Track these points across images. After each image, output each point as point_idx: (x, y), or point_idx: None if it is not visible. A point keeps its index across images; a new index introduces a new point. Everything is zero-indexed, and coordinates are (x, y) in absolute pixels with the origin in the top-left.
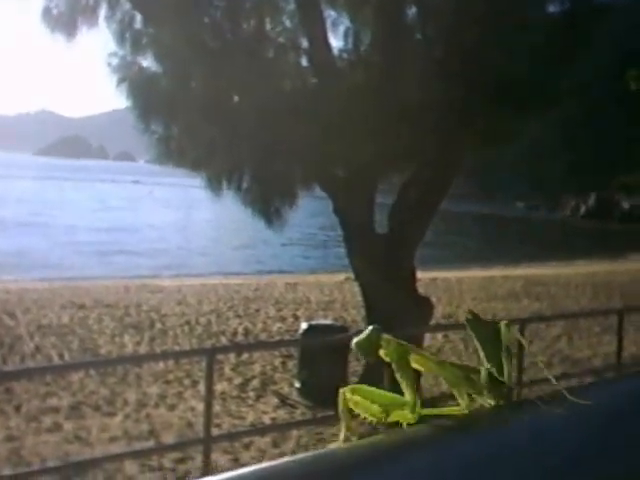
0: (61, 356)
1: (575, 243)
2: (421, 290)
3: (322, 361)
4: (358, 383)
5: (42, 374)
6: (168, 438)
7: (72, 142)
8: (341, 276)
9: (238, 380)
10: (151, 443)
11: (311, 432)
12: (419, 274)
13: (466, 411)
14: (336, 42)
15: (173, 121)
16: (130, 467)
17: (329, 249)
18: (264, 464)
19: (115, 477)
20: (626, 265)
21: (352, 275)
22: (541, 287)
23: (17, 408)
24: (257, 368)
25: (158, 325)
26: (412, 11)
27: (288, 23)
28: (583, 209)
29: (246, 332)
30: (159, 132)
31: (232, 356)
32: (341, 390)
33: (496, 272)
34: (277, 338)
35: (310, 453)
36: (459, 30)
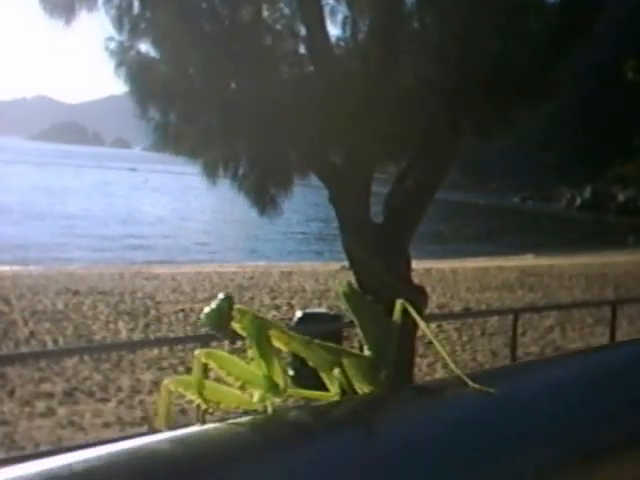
0: (55, 342)
1: (570, 235)
2: (416, 280)
3: None
4: None
5: (36, 359)
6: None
7: (68, 128)
8: (337, 265)
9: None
10: (144, 429)
11: None
12: (414, 264)
13: (336, 397)
14: (334, 30)
15: (170, 107)
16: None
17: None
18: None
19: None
20: (620, 257)
21: (347, 264)
22: (535, 278)
23: (11, 393)
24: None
25: (152, 312)
26: None
27: (286, 10)
28: (578, 201)
29: None
30: (156, 118)
31: (226, 343)
32: (196, 353)
33: (490, 263)
34: None
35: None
36: (457, 18)
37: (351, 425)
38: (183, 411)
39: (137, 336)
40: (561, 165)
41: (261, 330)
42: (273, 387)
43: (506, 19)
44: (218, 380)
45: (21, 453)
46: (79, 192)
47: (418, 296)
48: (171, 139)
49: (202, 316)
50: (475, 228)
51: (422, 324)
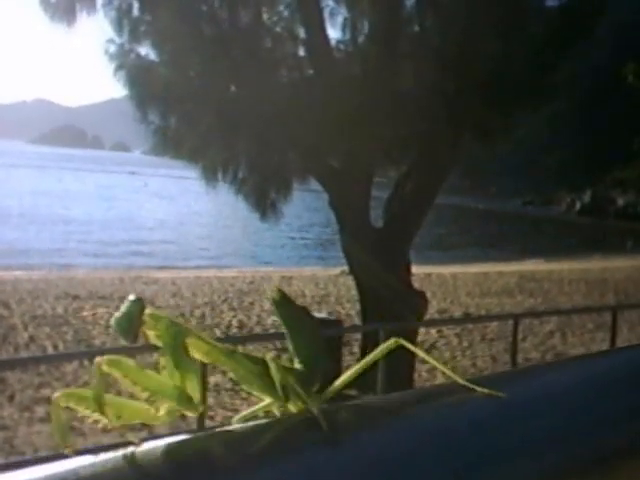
0: (55, 347)
1: (570, 240)
2: (416, 285)
3: None
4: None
5: (36, 364)
6: (161, 430)
7: (67, 131)
8: (336, 270)
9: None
10: (144, 434)
11: None
12: (414, 269)
13: (264, 412)
14: (334, 33)
15: (170, 110)
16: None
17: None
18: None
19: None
20: (620, 262)
21: (347, 269)
22: (535, 283)
23: (10, 398)
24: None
25: None
26: (410, 2)
27: (286, 13)
28: (578, 205)
29: (240, 325)
30: (156, 122)
31: None
32: (96, 360)
33: (491, 268)
34: (271, 331)
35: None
36: (457, 22)
37: (311, 442)
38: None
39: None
40: (561, 169)
41: (177, 338)
42: (186, 401)
43: (506, 22)
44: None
45: (20, 458)
46: (80, 196)
47: (418, 301)
48: (171, 143)
49: (112, 322)
50: (475, 233)
51: (421, 354)
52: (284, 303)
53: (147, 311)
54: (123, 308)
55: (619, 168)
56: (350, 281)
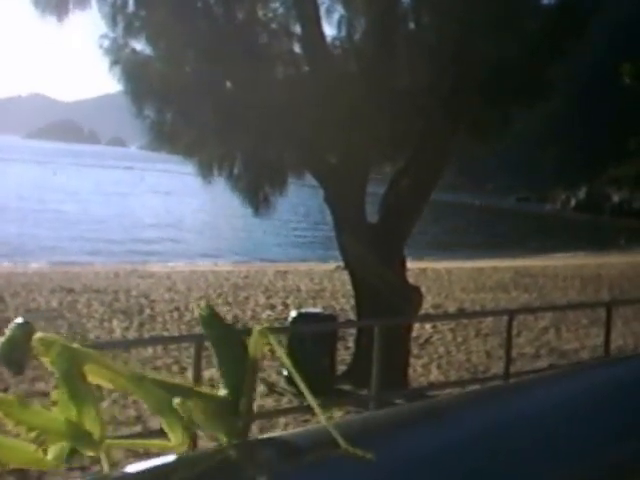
0: None
1: (565, 236)
2: (411, 280)
3: (310, 349)
4: (347, 372)
5: None
6: (155, 424)
7: (64, 126)
8: (332, 265)
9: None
10: (138, 428)
11: (298, 419)
12: (409, 264)
13: (179, 448)
14: (330, 30)
15: (165, 106)
16: (116, 452)
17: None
18: None
19: (101, 461)
20: (615, 258)
21: (342, 264)
22: (530, 279)
23: (5, 391)
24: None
25: (147, 311)
26: None
27: (281, 9)
28: (573, 202)
29: (235, 319)
30: (152, 117)
31: None
32: None
33: (486, 263)
34: (266, 326)
35: None
36: (453, 19)
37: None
38: None
39: (131, 335)
40: (556, 166)
41: (73, 363)
42: (83, 437)
43: (502, 19)
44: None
45: None
46: (79, 191)
47: (412, 296)
48: (166, 138)
49: None
50: (472, 230)
51: (281, 353)
52: (213, 321)
53: (36, 335)
54: (7, 332)
55: (614, 165)
56: (345, 276)
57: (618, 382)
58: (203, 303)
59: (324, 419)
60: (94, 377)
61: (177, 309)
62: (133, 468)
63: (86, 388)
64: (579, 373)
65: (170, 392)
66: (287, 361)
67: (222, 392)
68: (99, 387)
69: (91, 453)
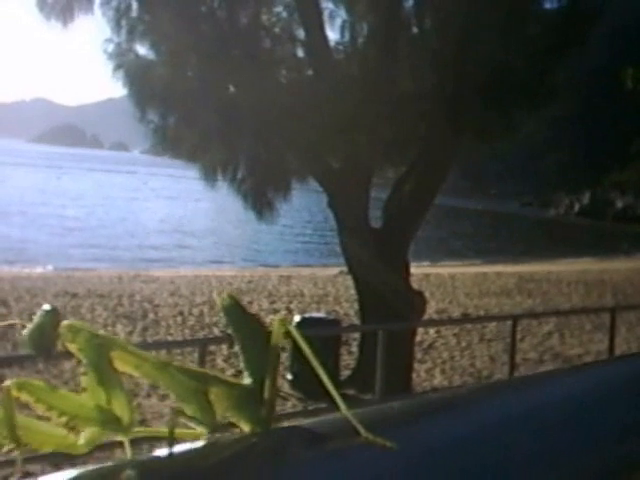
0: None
1: (568, 241)
2: (414, 285)
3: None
4: (351, 377)
5: (34, 361)
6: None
7: (66, 131)
8: (335, 270)
9: (230, 371)
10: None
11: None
12: (412, 269)
13: (206, 437)
14: (333, 34)
15: (169, 110)
16: (121, 455)
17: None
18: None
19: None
20: (619, 264)
21: (346, 269)
22: (534, 284)
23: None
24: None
25: (151, 315)
26: (409, 4)
27: (285, 14)
28: (577, 207)
29: None
30: (155, 121)
31: (224, 347)
32: (3, 385)
33: (489, 268)
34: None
35: None
36: (455, 24)
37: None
38: None
39: (135, 339)
40: (560, 171)
41: (101, 351)
42: (113, 423)
43: (505, 24)
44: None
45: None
46: (82, 195)
47: (416, 301)
48: (170, 142)
49: (24, 335)
50: (475, 235)
51: (302, 342)
52: (235, 310)
53: (64, 323)
54: (35, 319)
55: (618, 170)
56: (348, 281)
57: (618, 381)
58: (224, 293)
59: (344, 408)
60: (120, 364)
61: (181, 314)
62: (157, 454)
63: (114, 375)
64: (575, 371)
65: (195, 379)
66: (308, 350)
67: (246, 381)
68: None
69: (121, 438)
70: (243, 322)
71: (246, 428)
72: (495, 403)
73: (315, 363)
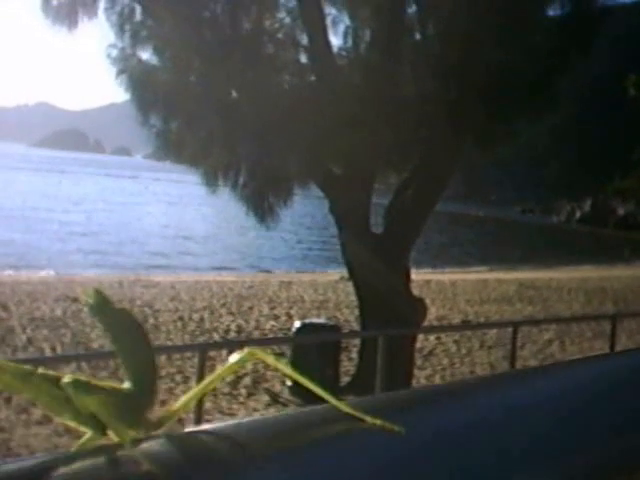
0: (53, 349)
1: (569, 248)
2: (415, 292)
3: (314, 360)
4: (350, 383)
5: (33, 366)
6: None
7: (69, 135)
8: (336, 275)
9: (230, 377)
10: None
11: None
12: (413, 275)
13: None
14: (336, 40)
15: (171, 115)
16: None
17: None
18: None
19: None
20: (620, 271)
21: (346, 275)
22: (535, 291)
23: (7, 400)
24: (249, 366)
25: (151, 320)
26: (412, 10)
27: (288, 20)
28: (578, 214)
29: (239, 329)
30: (157, 126)
31: (224, 353)
32: None
33: (490, 275)
34: (270, 336)
35: None
36: (458, 30)
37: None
38: None
39: None
40: (561, 178)
41: None
42: None
43: (507, 31)
44: None
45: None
46: (84, 200)
47: (417, 308)
48: (172, 147)
49: None
50: (476, 241)
51: (282, 367)
52: (104, 307)
53: None
54: None
55: (619, 178)
56: (349, 287)
57: (618, 376)
58: (89, 289)
59: (334, 400)
60: None
61: (181, 319)
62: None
63: None
64: (575, 365)
65: (64, 388)
66: (290, 373)
67: (125, 384)
68: None
69: None
70: (115, 320)
71: (130, 434)
72: (500, 393)
73: (300, 380)
